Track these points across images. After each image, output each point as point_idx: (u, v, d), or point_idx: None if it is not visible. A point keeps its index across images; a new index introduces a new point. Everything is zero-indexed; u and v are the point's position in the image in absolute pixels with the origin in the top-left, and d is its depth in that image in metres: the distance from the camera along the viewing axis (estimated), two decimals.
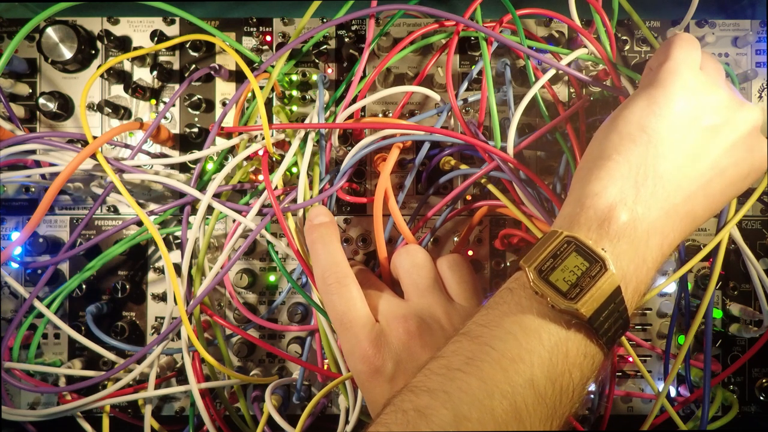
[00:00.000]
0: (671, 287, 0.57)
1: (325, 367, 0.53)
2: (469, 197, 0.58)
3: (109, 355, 0.54)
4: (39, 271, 0.56)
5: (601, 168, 0.37)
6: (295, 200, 0.51)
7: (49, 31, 0.55)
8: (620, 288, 0.34)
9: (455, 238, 0.58)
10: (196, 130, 0.57)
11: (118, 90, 0.58)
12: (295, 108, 0.58)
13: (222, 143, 0.53)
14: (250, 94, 0.55)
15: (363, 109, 0.57)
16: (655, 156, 0.36)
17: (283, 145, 0.56)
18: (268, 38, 0.58)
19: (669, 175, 0.36)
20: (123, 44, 0.58)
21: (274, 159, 0.55)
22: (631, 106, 0.39)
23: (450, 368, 0.33)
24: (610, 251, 0.34)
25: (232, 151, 0.56)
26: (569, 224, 0.36)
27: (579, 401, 0.35)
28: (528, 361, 0.32)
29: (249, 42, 0.58)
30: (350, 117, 0.52)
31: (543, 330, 0.33)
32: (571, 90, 0.59)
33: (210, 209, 0.51)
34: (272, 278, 0.58)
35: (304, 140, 0.52)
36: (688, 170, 0.37)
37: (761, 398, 0.57)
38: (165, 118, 0.58)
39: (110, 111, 0.56)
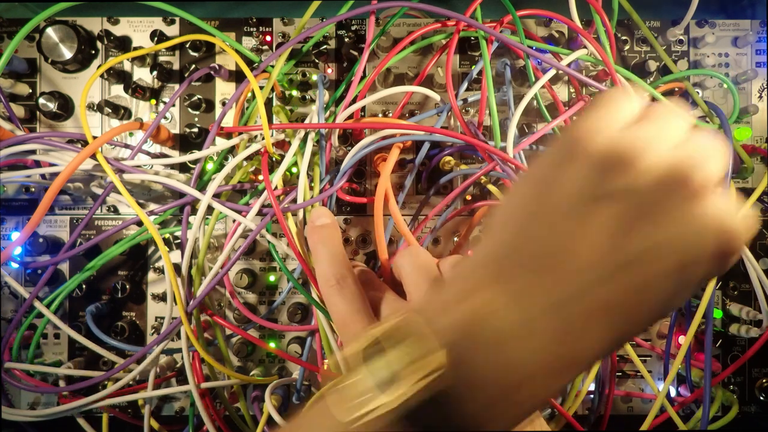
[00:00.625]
0: None
1: (325, 367, 0.53)
2: (469, 197, 0.58)
3: (109, 355, 0.54)
4: (39, 271, 0.56)
5: (475, 253, 0.31)
6: (295, 200, 0.51)
7: (49, 31, 0.55)
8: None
9: (455, 238, 0.58)
10: (196, 130, 0.57)
11: (118, 90, 0.58)
12: (295, 108, 0.58)
13: (222, 143, 0.53)
14: (250, 94, 0.55)
15: (363, 109, 0.57)
16: (543, 235, 0.27)
17: (283, 145, 0.56)
18: (268, 38, 0.58)
19: (557, 258, 0.27)
20: (123, 44, 0.58)
21: (274, 159, 0.55)
22: (524, 178, 0.31)
23: None
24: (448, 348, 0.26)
25: (232, 151, 0.56)
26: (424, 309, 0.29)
27: None
28: None
29: (249, 42, 0.58)
30: (350, 117, 0.52)
31: None
32: (571, 90, 0.59)
33: (210, 209, 0.51)
34: (272, 278, 0.58)
35: (304, 140, 0.52)
36: (590, 254, 0.26)
37: (761, 398, 0.57)
38: (165, 118, 0.58)
39: (110, 111, 0.56)
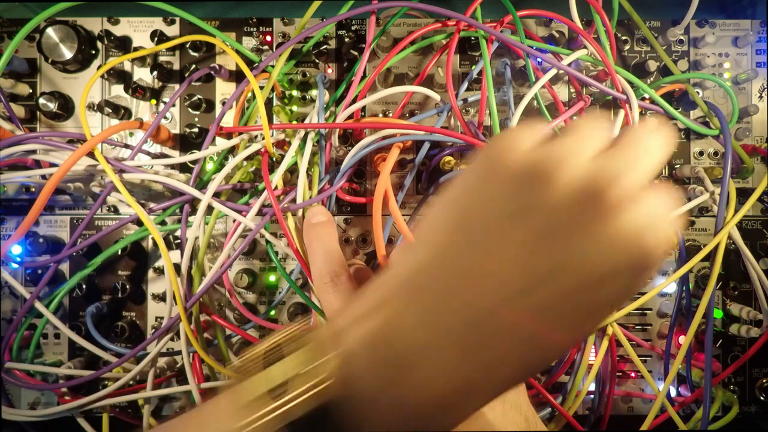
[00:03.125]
0: (671, 287, 0.57)
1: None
2: None
3: (109, 356, 0.53)
4: (39, 271, 0.57)
5: (393, 268, 0.29)
6: (294, 200, 0.51)
7: (50, 31, 0.55)
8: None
9: None
10: (196, 130, 0.57)
11: (118, 90, 0.58)
12: (295, 108, 0.58)
13: (222, 143, 0.53)
14: (250, 94, 0.55)
15: (363, 109, 0.57)
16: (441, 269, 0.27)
17: (283, 145, 0.56)
18: (268, 38, 0.58)
19: (455, 289, 0.26)
20: (123, 44, 0.58)
21: (274, 159, 0.55)
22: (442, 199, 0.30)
23: None
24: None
25: (232, 151, 0.56)
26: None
27: None
28: None
29: (249, 42, 0.58)
30: (350, 117, 0.52)
31: None
32: (571, 90, 0.59)
33: (209, 209, 0.51)
34: (272, 278, 0.58)
35: (304, 140, 0.52)
36: (493, 281, 0.26)
37: (761, 398, 0.57)
38: (165, 118, 0.58)
39: (110, 111, 0.56)
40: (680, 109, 0.58)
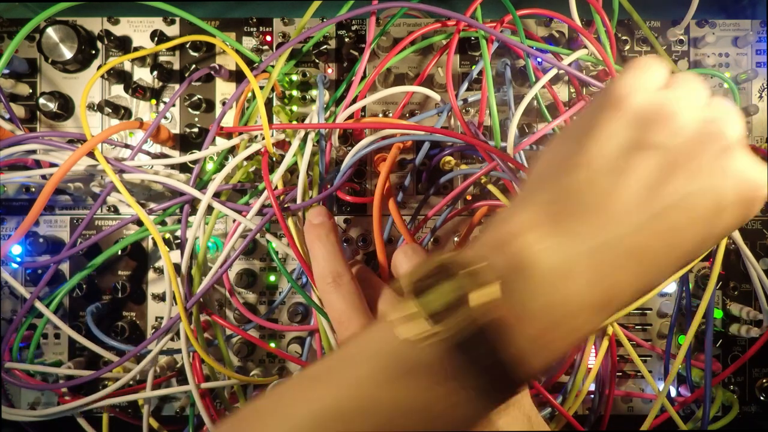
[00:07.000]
0: (671, 287, 0.57)
1: None
2: (469, 197, 0.58)
3: (110, 356, 0.54)
4: (39, 271, 0.57)
5: (520, 194, 0.33)
6: (295, 200, 0.51)
7: (50, 31, 0.55)
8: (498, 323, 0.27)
9: (455, 238, 0.58)
10: (196, 130, 0.57)
11: (118, 90, 0.58)
12: (295, 108, 0.58)
13: (222, 143, 0.53)
14: (250, 94, 0.55)
15: (363, 109, 0.57)
16: (587, 183, 0.29)
17: (283, 145, 0.56)
18: (268, 38, 0.58)
19: (599, 206, 0.29)
20: (123, 44, 0.58)
21: (274, 159, 0.55)
22: (565, 131, 0.34)
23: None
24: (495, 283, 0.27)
25: (232, 151, 0.56)
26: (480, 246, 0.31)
27: None
28: None
29: (249, 42, 0.58)
30: (350, 117, 0.52)
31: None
32: (571, 90, 0.59)
33: (209, 209, 0.51)
34: (272, 278, 0.58)
35: (304, 140, 0.52)
36: (629, 202, 0.29)
37: (761, 398, 0.57)
38: (165, 118, 0.58)
39: (110, 111, 0.56)
40: None
